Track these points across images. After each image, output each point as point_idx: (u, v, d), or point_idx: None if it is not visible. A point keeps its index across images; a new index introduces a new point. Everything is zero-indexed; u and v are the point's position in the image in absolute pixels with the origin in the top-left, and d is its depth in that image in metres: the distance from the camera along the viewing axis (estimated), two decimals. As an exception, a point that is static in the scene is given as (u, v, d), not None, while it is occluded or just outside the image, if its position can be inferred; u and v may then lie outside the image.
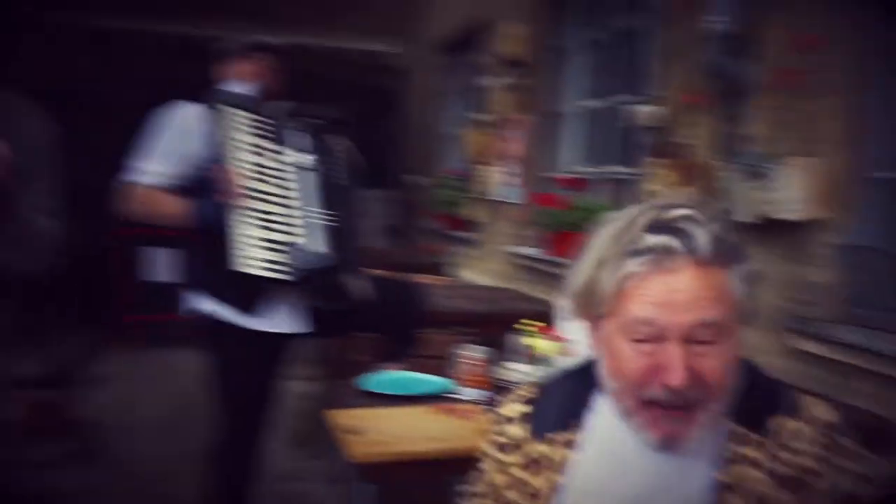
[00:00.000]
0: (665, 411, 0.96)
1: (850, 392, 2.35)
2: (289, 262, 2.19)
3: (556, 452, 1.09)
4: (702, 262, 0.95)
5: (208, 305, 2.31)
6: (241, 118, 2.27)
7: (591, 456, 1.07)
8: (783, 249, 2.66)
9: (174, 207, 2.28)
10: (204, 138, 2.25)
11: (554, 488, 1.07)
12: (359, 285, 2.34)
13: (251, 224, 2.18)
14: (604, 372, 1.05)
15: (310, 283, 2.24)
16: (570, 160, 4.65)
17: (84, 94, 5.66)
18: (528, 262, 4.68)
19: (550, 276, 4.45)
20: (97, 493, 3.32)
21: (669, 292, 0.94)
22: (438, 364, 2.36)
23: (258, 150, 2.28)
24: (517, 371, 2.16)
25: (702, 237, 0.96)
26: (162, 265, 5.80)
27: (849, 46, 2.45)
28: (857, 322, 2.45)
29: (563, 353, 2.14)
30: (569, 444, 1.09)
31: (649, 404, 0.97)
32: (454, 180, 6.18)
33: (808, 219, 2.52)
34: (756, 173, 2.61)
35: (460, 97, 6.62)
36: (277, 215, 2.25)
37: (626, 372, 0.98)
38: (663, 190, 3.13)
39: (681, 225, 0.96)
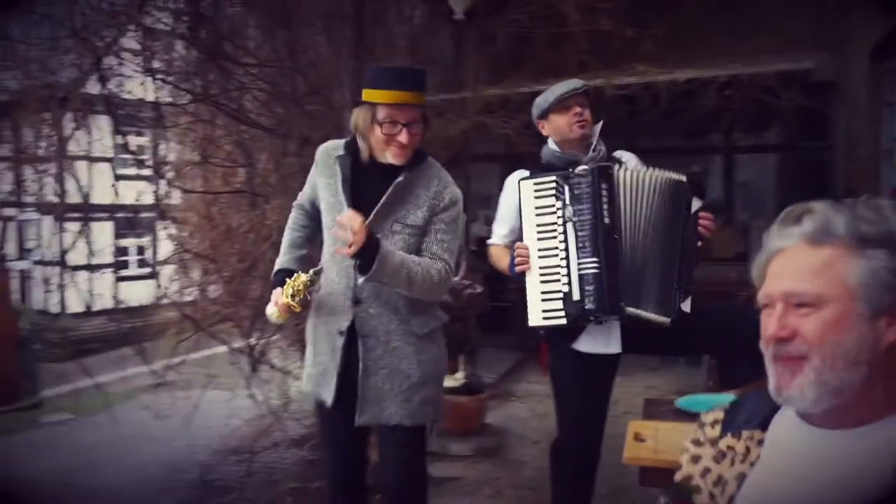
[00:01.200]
0: (780, 360, 1.07)
1: None
2: (564, 308, 2.46)
3: (742, 446, 1.17)
4: (810, 240, 1.08)
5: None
6: (530, 185, 2.55)
7: (771, 449, 1.13)
8: None
9: (504, 264, 2.73)
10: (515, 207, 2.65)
11: (739, 478, 1.15)
12: (664, 311, 2.45)
13: (536, 279, 2.51)
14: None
15: (579, 324, 2.49)
16: None
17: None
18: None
19: None
20: (493, 484, 3.92)
21: (778, 268, 1.11)
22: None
23: (542, 211, 2.52)
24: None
25: (815, 221, 1.08)
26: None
27: None
28: None
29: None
30: (755, 441, 1.16)
31: (774, 359, 1.08)
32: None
33: None
34: None
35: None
36: (554, 268, 2.49)
37: (764, 334, 1.10)
38: None
39: (805, 212, 1.10)
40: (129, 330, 7.10)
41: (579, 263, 2.44)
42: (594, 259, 2.42)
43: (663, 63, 6.46)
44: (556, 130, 2.70)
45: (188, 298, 4.76)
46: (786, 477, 1.08)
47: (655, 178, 2.50)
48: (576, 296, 2.44)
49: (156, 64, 4.22)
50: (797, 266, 1.08)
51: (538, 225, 2.52)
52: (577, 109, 2.62)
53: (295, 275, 2.23)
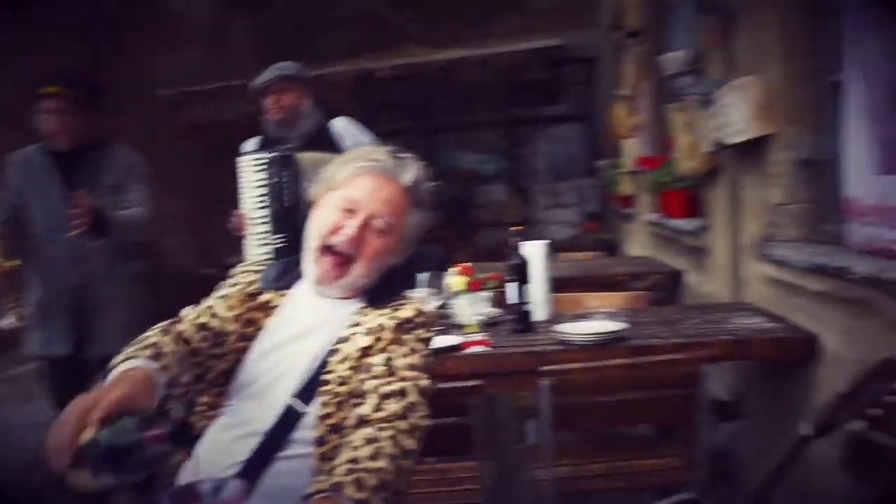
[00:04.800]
0: (332, 256, 1.40)
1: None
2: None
3: (276, 300, 1.51)
4: (400, 183, 1.44)
5: None
6: (247, 160, 2.78)
7: (285, 304, 1.51)
8: (757, 174, 2.55)
9: None
10: None
11: (258, 330, 1.49)
12: None
13: (254, 245, 2.74)
14: (309, 231, 1.47)
15: None
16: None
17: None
18: (654, 228, 4.67)
19: (665, 239, 4.43)
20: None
21: (376, 191, 1.42)
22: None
23: (257, 183, 2.75)
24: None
25: (409, 172, 1.46)
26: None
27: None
28: (824, 239, 2.29)
29: (469, 287, 2.42)
30: (281, 295, 1.52)
31: (325, 250, 1.41)
32: (617, 161, 6.25)
33: (760, 137, 2.41)
34: (708, 101, 2.57)
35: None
36: (265, 234, 2.73)
37: (323, 226, 1.43)
38: (678, 133, 3.11)
39: (401, 157, 1.47)
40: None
41: (273, 237, 2.72)
42: (283, 235, 2.68)
43: (432, 45, 6.97)
44: (265, 109, 3.05)
45: None
46: (290, 324, 1.47)
47: (322, 159, 2.90)
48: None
49: None
50: (389, 198, 1.42)
51: (254, 196, 2.75)
52: (275, 97, 2.96)
53: None
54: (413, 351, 1.40)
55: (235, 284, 1.55)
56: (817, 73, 2.32)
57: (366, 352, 1.39)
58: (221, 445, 1.40)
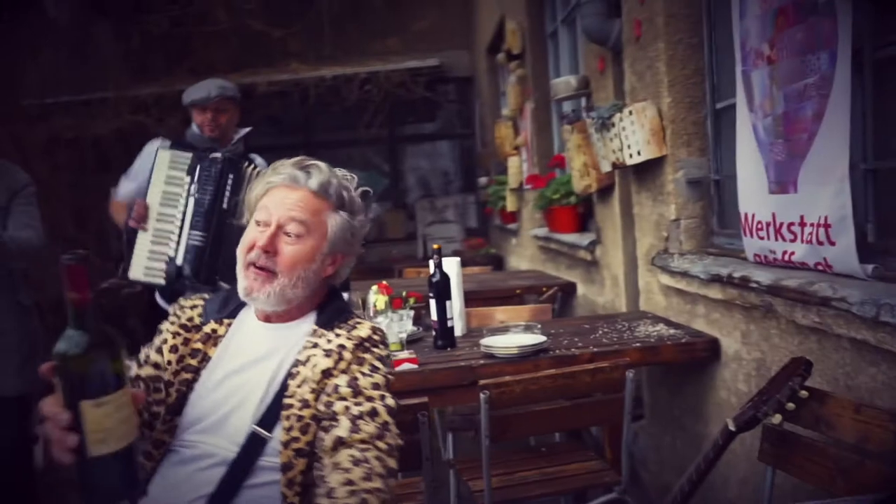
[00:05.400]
0: (256, 270, 1.41)
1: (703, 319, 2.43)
2: (165, 270, 2.78)
3: (223, 329, 1.51)
4: (308, 190, 1.44)
5: None
6: (167, 155, 2.85)
7: (231, 333, 1.50)
8: (651, 192, 2.77)
9: (121, 220, 2.95)
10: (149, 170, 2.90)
11: (205, 359, 1.48)
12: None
13: (148, 240, 2.80)
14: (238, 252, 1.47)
15: (174, 287, 2.79)
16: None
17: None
18: (542, 243, 4.89)
19: (554, 252, 4.65)
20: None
21: (283, 199, 1.43)
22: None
23: (172, 181, 2.84)
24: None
25: (315, 179, 1.44)
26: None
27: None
28: (715, 251, 2.52)
29: (390, 305, 2.47)
30: (226, 325, 1.51)
31: (249, 266, 1.42)
32: (501, 177, 6.48)
33: (653, 159, 2.62)
34: (605, 125, 2.76)
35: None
36: (167, 232, 2.81)
37: (244, 243, 1.44)
38: (572, 153, 3.30)
39: (303, 166, 1.46)
40: None
41: (189, 234, 2.76)
42: (203, 234, 2.76)
43: (313, 61, 6.94)
44: (195, 122, 3.02)
45: None
46: (240, 353, 1.46)
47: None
48: (179, 261, 2.77)
49: None
50: (298, 204, 1.41)
51: (164, 192, 2.80)
52: (210, 115, 2.95)
53: None
54: (374, 370, 1.42)
55: (173, 321, 1.53)
56: (702, 101, 2.57)
57: (327, 373, 1.40)
58: (179, 480, 1.37)
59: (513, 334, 2.37)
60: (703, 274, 2.26)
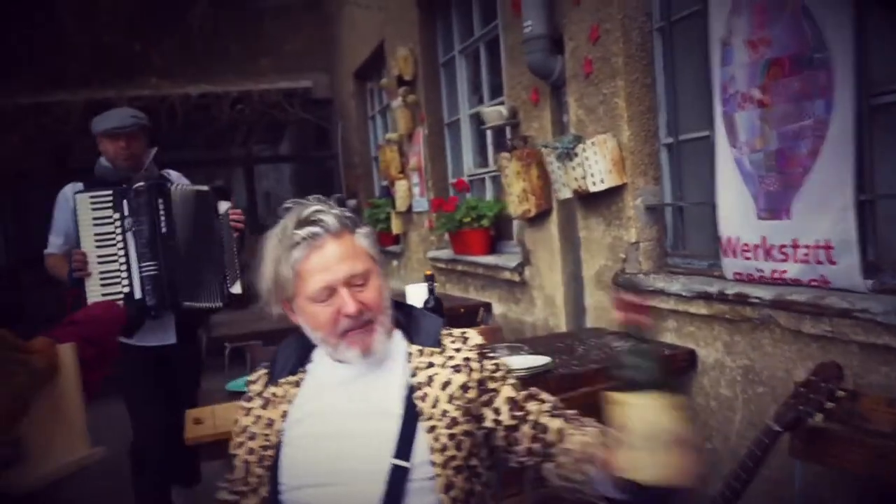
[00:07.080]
0: (354, 332, 1.36)
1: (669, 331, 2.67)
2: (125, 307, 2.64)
3: (285, 390, 1.44)
4: (336, 234, 1.37)
5: None
6: (86, 199, 2.73)
7: (311, 386, 1.44)
8: (605, 217, 2.99)
9: (63, 272, 2.82)
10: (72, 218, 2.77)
11: (284, 415, 1.41)
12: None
13: (97, 284, 2.71)
14: (309, 332, 1.42)
15: (140, 320, 2.76)
16: (465, 164, 4.98)
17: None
18: (443, 265, 4.99)
19: (460, 274, 4.78)
20: None
21: (327, 260, 1.35)
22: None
23: (99, 222, 2.74)
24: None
25: (331, 219, 1.37)
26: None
27: (631, 34, 2.79)
28: (670, 270, 2.77)
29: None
30: (295, 384, 1.45)
31: (345, 334, 1.37)
32: (380, 199, 6.52)
33: (612, 187, 2.84)
34: (569, 154, 2.94)
35: (382, 120, 6.98)
36: (114, 272, 2.73)
37: (323, 323, 1.37)
38: (510, 179, 3.46)
39: (315, 217, 1.38)
40: None
41: (140, 267, 2.73)
42: (153, 262, 2.74)
43: (177, 78, 6.58)
44: (106, 153, 2.92)
45: None
46: (328, 401, 1.40)
47: (194, 190, 2.91)
48: (137, 295, 2.72)
49: None
50: (342, 254, 1.34)
51: (96, 235, 2.73)
52: (123, 144, 2.88)
53: None
54: (498, 367, 1.45)
55: (249, 398, 1.50)
56: (655, 135, 2.84)
57: (464, 387, 1.40)
58: None
59: (519, 356, 2.46)
60: (684, 291, 2.50)
